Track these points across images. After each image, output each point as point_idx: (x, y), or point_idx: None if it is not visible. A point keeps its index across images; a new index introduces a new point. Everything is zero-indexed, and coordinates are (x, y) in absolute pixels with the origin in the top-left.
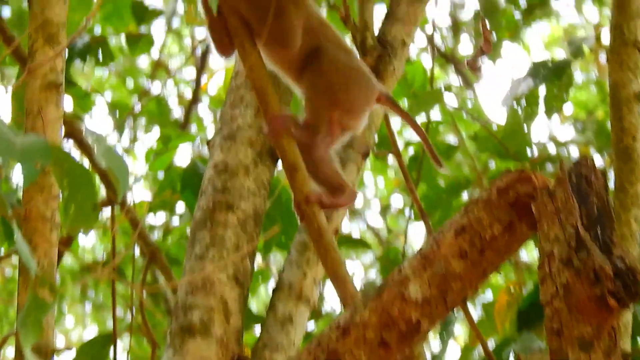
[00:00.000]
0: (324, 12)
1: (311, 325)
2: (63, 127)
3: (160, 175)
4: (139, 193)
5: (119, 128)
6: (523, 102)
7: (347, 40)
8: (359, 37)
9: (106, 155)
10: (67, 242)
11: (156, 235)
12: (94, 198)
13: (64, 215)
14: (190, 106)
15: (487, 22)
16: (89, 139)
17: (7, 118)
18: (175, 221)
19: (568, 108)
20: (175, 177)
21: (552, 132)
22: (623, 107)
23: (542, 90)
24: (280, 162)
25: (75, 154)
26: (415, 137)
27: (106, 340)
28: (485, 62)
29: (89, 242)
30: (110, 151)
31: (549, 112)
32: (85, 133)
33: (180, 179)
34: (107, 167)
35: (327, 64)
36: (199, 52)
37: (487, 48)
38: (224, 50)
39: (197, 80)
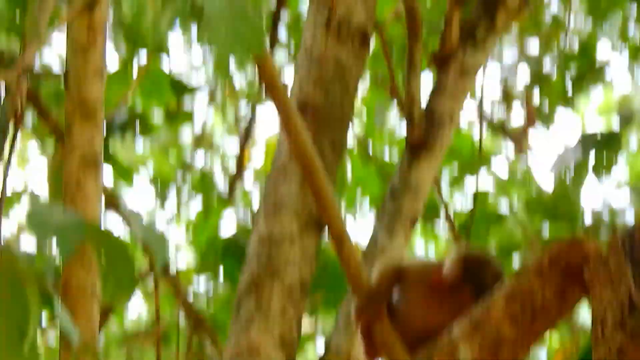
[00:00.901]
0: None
1: None
2: (104, 198)
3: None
4: (184, 259)
5: (162, 199)
6: (572, 169)
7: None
8: (407, 110)
9: (142, 229)
10: (108, 312)
11: (201, 302)
12: (132, 272)
13: (103, 287)
14: (234, 178)
15: (535, 92)
16: (126, 215)
17: (44, 190)
18: (220, 287)
19: (624, 174)
20: (219, 248)
21: (606, 199)
22: None
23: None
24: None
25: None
26: (464, 207)
27: None
28: (532, 134)
29: (135, 310)
30: (146, 226)
31: (597, 176)
32: (123, 208)
33: (222, 251)
34: (144, 242)
35: None
36: (242, 125)
37: (532, 122)
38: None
39: (241, 154)
